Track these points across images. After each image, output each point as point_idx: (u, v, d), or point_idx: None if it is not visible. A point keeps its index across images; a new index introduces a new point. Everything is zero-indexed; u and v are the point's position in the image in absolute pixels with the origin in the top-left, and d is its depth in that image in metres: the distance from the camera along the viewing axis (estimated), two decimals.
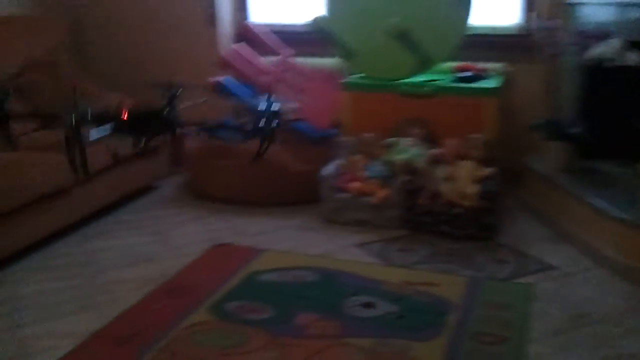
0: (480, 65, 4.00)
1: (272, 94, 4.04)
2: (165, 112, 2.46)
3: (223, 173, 3.83)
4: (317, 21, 3.61)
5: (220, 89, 4.04)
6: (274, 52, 4.26)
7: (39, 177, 3.08)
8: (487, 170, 3.39)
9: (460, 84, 3.73)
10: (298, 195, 3.77)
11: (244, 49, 4.17)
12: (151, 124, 2.44)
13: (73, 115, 2.22)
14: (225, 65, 4.10)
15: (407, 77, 3.78)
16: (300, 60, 4.35)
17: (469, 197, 3.28)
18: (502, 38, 4.13)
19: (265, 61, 4.27)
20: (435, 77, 3.86)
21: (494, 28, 4.16)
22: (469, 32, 3.77)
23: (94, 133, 2.34)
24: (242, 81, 4.13)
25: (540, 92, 3.72)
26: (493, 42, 4.12)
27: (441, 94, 3.67)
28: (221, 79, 4.03)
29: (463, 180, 3.35)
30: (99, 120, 2.38)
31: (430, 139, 3.63)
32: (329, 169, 3.59)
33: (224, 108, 4.32)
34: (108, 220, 3.60)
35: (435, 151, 3.52)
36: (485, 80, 3.80)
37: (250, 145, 3.82)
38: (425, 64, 3.78)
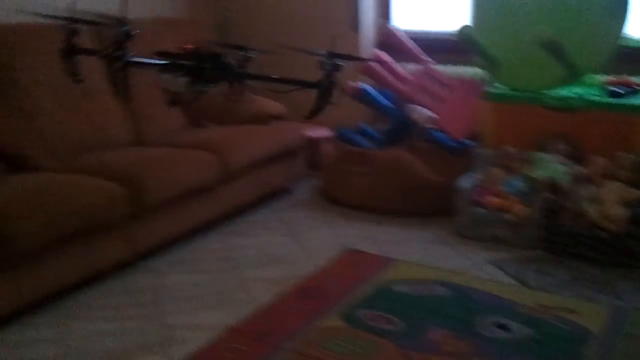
0: (635, 79, 3.77)
1: (412, 102, 4.07)
2: (227, 61, 2.26)
3: (357, 179, 3.86)
4: (463, 30, 3.54)
5: (361, 95, 4.07)
6: (415, 59, 4.24)
7: (188, 173, 3.26)
8: (637, 193, 3.19)
9: (611, 99, 3.53)
10: (432, 206, 3.72)
11: (385, 55, 4.17)
12: (211, 69, 2.20)
13: (119, 31, 2.12)
14: (368, 71, 4.12)
15: (554, 89, 3.64)
16: (442, 68, 4.30)
17: (616, 221, 3.10)
18: None
19: (406, 68, 4.26)
20: (584, 90, 3.69)
21: None
22: (623, 43, 3.57)
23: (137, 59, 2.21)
24: (382, 88, 4.15)
25: None
26: None
27: (590, 108, 3.49)
28: (362, 85, 4.06)
29: (610, 202, 3.17)
30: (159, 54, 2.26)
31: (576, 157, 3.46)
32: (465, 181, 3.52)
33: (364, 114, 4.38)
34: (246, 219, 3.73)
35: (581, 169, 3.35)
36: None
37: (387, 153, 3.87)
38: (574, 75, 3.61)
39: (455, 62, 4.31)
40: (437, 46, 4.25)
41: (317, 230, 3.59)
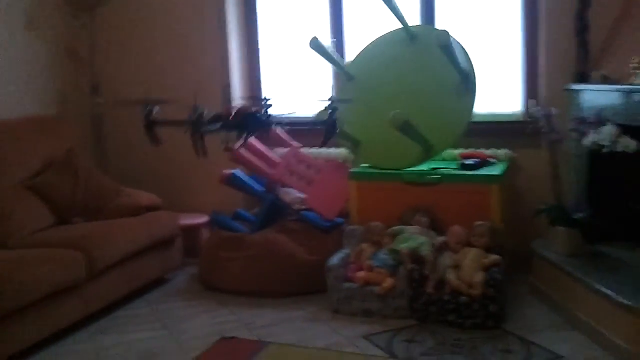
0: (485, 152, 4.07)
1: (282, 185, 4.19)
2: (260, 115, 3.28)
3: (232, 264, 3.88)
4: (320, 115, 3.71)
5: (232, 181, 4.15)
6: (283, 144, 4.38)
7: (52, 273, 3.16)
8: (494, 258, 3.39)
9: (464, 171, 3.79)
10: (307, 285, 3.79)
11: (254, 141, 4.29)
12: (252, 123, 3.24)
13: (195, 111, 3.06)
14: (237, 158, 4.22)
15: (412, 166, 3.85)
16: (309, 151, 4.47)
17: (475, 286, 3.27)
18: (506, 125, 4.22)
19: (275, 153, 4.39)
20: (440, 165, 3.93)
21: (497, 115, 4.26)
22: (473, 120, 3.86)
23: (210, 126, 3.14)
24: (253, 173, 4.25)
25: (544, 178, 3.75)
26: (497, 129, 4.21)
27: (446, 181, 3.73)
28: (233, 171, 4.15)
29: (469, 268, 3.35)
30: (214, 119, 3.18)
31: (436, 227, 3.66)
32: (336, 258, 3.63)
33: (236, 199, 4.45)
34: (119, 314, 3.64)
35: (440, 239, 3.54)
36: (490, 167, 3.86)
37: (260, 236, 3.92)
38: (429, 152, 3.85)
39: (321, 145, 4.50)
40: (304, 130, 4.40)
41: (193, 320, 3.55)
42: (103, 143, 4.87)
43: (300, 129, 4.37)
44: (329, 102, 3.33)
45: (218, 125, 3.17)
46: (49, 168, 3.97)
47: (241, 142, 3.32)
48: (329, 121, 3.34)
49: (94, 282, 3.42)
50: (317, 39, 3.97)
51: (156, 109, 3.18)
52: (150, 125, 3.17)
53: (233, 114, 3.20)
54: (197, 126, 3.04)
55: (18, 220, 3.62)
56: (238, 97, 4.67)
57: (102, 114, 4.79)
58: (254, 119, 3.23)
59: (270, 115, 3.34)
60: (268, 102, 3.33)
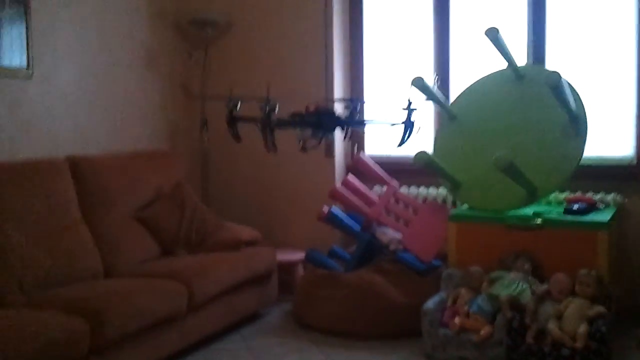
0: (593, 196, 3.90)
1: (379, 224, 4.18)
2: (337, 114, 3.15)
3: (326, 302, 3.89)
4: (418, 156, 3.69)
5: (330, 218, 4.18)
6: (382, 183, 4.38)
7: (153, 304, 3.28)
8: (598, 309, 3.22)
9: (569, 217, 3.63)
10: (401, 328, 3.73)
11: (353, 179, 4.32)
12: (328, 121, 3.08)
13: (266, 105, 2.96)
14: (335, 195, 4.26)
15: (516, 209, 3.74)
16: (408, 190, 4.44)
17: (578, 337, 3.11)
18: (615, 169, 4.03)
19: (374, 192, 4.39)
20: (544, 208, 3.79)
21: (606, 159, 4.07)
22: (581, 163, 3.71)
23: (281, 121, 3.05)
24: (351, 211, 4.26)
25: None
26: (606, 173, 4.03)
27: (550, 226, 3.59)
28: (331, 208, 4.18)
29: (572, 318, 3.20)
30: (292, 116, 3.09)
31: (538, 274, 3.52)
32: (431, 302, 3.56)
33: (333, 236, 4.48)
34: (214, 347, 3.71)
35: (542, 287, 3.40)
36: (597, 213, 3.68)
37: (355, 276, 3.92)
38: (533, 195, 3.73)
39: (424, 184, 4.47)
40: (406, 169, 4.38)
41: (284, 358, 3.57)
42: (208, 177, 5.05)
43: (399, 168, 4.44)
44: (408, 102, 3.08)
45: (291, 120, 3.09)
46: (157, 200, 4.16)
47: (315, 141, 3.12)
48: (407, 120, 3.08)
49: (193, 314, 3.52)
50: (421, 78, 3.93)
51: (239, 105, 3.12)
52: (233, 120, 3.12)
53: (309, 109, 3.10)
54: (267, 120, 2.96)
55: (126, 249, 3.79)
56: (339, 134, 4.72)
57: (209, 149, 4.97)
58: (331, 116, 3.11)
59: (353, 115, 3.24)
60: (357, 103, 3.23)
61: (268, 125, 2.96)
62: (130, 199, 4.03)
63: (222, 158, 4.97)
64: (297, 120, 3.08)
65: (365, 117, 3.31)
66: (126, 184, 4.04)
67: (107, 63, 4.33)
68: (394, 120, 3.14)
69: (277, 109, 3.00)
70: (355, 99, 3.28)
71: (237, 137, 3.11)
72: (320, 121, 3.05)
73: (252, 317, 4.12)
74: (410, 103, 3.06)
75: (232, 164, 4.97)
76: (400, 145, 3.14)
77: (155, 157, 4.44)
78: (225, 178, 5.01)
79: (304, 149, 3.19)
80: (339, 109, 3.23)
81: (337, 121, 3.12)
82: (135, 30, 4.58)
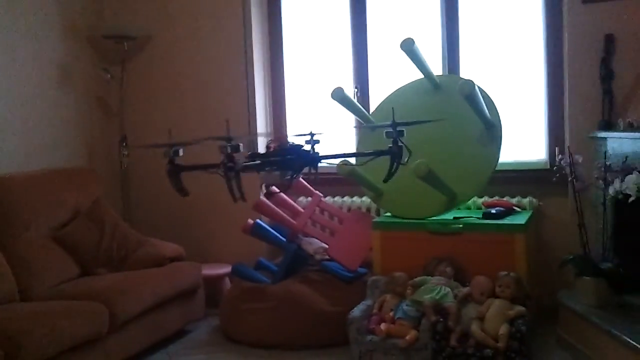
0: (510, 200, 4.03)
1: (305, 235, 4.18)
2: (306, 150, 2.74)
3: (253, 315, 3.85)
4: (341, 167, 3.72)
5: (254, 230, 4.16)
6: (306, 193, 4.39)
7: (74, 326, 3.17)
8: (518, 309, 3.32)
9: (488, 220, 3.74)
10: (329, 337, 3.73)
11: (277, 190, 4.30)
12: (298, 160, 2.70)
13: (228, 147, 2.52)
14: (260, 207, 4.23)
15: (436, 215, 3.82)
16: (333, 200, 4.48)
17: (500, 338, 3.20)
18: (531, 173, 4.18)
19: (299, 202, 4.40)
20: (463, 213, 3.89)
21: (522, 163, 4.22)
22: (497, 168, 3.83)
23: (245, 164, 2.64)
24: (276, 223, 4.25)
25: (570, 226, 3.69)
26: (521, 177, 4.18)
27: (469, 230, 3.68)
28: (255, 220, 4.16)
29: (494, 319, 3.28)
30: (251, 156, 2.70)
31: (460, 277, 3.60)
32: (357, 309, 3.58)
33: (259, 249, 4.45)
34: None
35: (464, 290, 3.48)
36: (514, 216, 3.81)
37: (282, 287, 3.90)
38: (453, 201, 3.82)
39: (347, 194, 4.51)
40: (329, 180, 4.41)
41: None
42: (128, 194, 4.94)
43: (323, 178, 4.46)
44: (390, 126, 2.68)
45: (256, 162, 2.69)
46: (75, 219, 4.03)
47: (286, 182, 2.75)
48: (394, 148, 2.69)
49: (115, 334, 3.42)
50: (340, 89, 3.98)
51: (181, 152, 2.69)
52: (176, 171, 2.70)
53: (273, 148, 2.75)
54: (231, 164, 2.52)
55: (42, 271, 3.65)
56: (262, 147, 4.73)
57: (128, 165, 4.87)
58: (302, 154, 2.72)
59: (317, 152, 2.80)
60: (314, 137, 2.78)
61: (233, 170, 2.51)
62: (46, 218, 3.90)
63: (143, 174, 4.87)
64: (266, 162, 2.70)
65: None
66: (41, 203, 3.90)
67: (17, 79, 4.18)
68: (374, 152, 2.79)
69: (240, 148, 2.57)
70: (312, 132, 2.77)
71: (182, 191, 2.71)
72: (290, 161, 2.69)
73: (178, 334, 4.03)
74: (394, 126, 2.69)
75: (154, 180, 4.81)
76: (387, 180, 2.77)
77: (72, 175, 4.30)
78: (147, 194, 4.91)
79: (269, 194, 3.03)
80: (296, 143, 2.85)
81: (307, 159, 2.72)
82: (46, 45, 4.44)
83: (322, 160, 2.74)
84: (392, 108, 2.71)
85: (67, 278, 3.77)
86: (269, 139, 2.93)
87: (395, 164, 2.70)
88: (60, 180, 4.16)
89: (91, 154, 4.82)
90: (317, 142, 2.78)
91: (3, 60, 4.08)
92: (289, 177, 2.74)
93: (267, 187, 2.75)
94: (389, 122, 2.68)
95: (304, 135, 2.75)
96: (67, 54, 4.61)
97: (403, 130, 2.70)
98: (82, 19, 4.77)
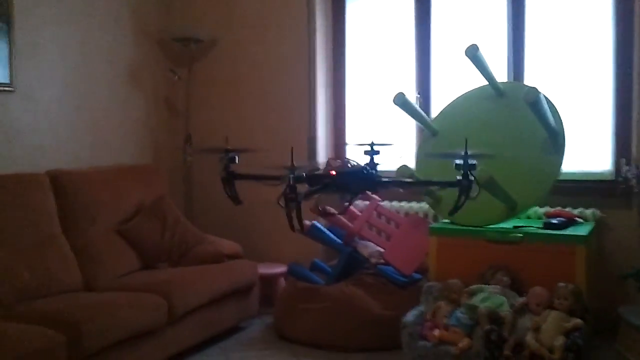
0: (572, 211, 3.94)
1: (361, 238, 4.20)
2: (366, 172, 2.66)
3: (307, 315, 3.90)
4: (401, 170, 3.72)
5: (311, 232, 4.20)
6: (364, 197, 4.40)
7: (134, 316, 3.28)
8: (576, 321, 3.24)
9: (548, 230, 3.67)
10: (381, 340, 3.74)
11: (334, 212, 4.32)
12: (355, 182, 2.63)
13: (290, 175, 2.40)
14: (317, 209, 4.27)
15: (495, 223, 3.77)
16: (390, 204, 4.47)
17: (555, 350, 3.13)
18: (594, 184, 4.08)
19: (355, 205, 4.41)
20: (523, 223, 3.83)
21: (586, 174, 4.12)
22: (560, 178, 3.75)
23: (307, 193, 2.57)
24: (333, 225, 4.28)
25: (634, 239, 3.58)
26: (585, 188, 4.08)
27: (529, 240, 3.62)
28: (313, 222, 4.20)
29: (549, 331, 3.21)
30: (311, 179, 2.60)
31: (517, 287, 3.54)
32: (411, 314, 3.56)
33: (315, 250, 4.49)
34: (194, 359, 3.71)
35: (520, 300, 3.42)
36: (576, 227, 3.72)
37: (336, 289, 3.93)
38: (513, 210, 3.76)
39: (405, 199, 4.50)
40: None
41: None
42: (191, 192, 5.06)
43: None
44: (464, 158, 2.51)
45: (317, 187, 2.57)
46: (139, 214, 4.16)
47: (345, 204, 2.71)
48: (464, 181, 2.52)
49: (173, 327, 3.52)
50: (402, 94, 3.98)
51: (236, 159, 2.70)
52: (230, 178, 2.70)
53: (334, 171, 2.58)
54: (293, 192, 2.38)
55: (106, 263, 3.80)
56: (322, 149, 4.77)
57: (192, 163, 4.99)
58: (362, 177, 2.61)
59: (377, 172, 2.72)
60: (374, 155, 2.70)
61: (295, 200, 2.37)
62: (111, 212, 4.04)
63: (205, 173, 4.98)
64: (326, 185, 2.58)
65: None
66: (107, 198, 4.04)
67: (89, 79, 4.37)
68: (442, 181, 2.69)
69: (304, 173, 2.49)
70: (372, 144, 2.69)
71: (235, 199, 2.68)
72: (350, 184, 2.60)
73: (232, 330, 4.11)
74: (466, 157, 2.53)
75: (215, 179, 4.93)
76: (452, 213, 2.64)
77: (138, 172, 4.45)
78: (208, 193, 5.00)
79: (325, 213, 2.90)
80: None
81: (370, 182, 2.64)
82: (118, 46, 4.62)
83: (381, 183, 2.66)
84: (466, 139, 2.55)
85: (129, 271, 3.91)
86: (329, 157, 2.79)
87: (463, 197, 2.54)
88: (127, 176, 4.30)
89: (157, 152, 4.97)
90: (377, 152, 2.74)
91: (76, 60, 4.27)
92: (347, 201, 2.70)
93: (323, 207, 2.75)
94: (460, 151, 2.54)
95: (364, 144, 2.72)
96: (138, 55, 4.79)
97: (475, 164, 2.53)
98: (153, 22, 4.94)
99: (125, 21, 4.67)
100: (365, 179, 2.64)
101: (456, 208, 2.58)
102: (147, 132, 4.89)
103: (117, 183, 4.19)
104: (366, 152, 2.71)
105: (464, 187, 2.51)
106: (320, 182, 2.58)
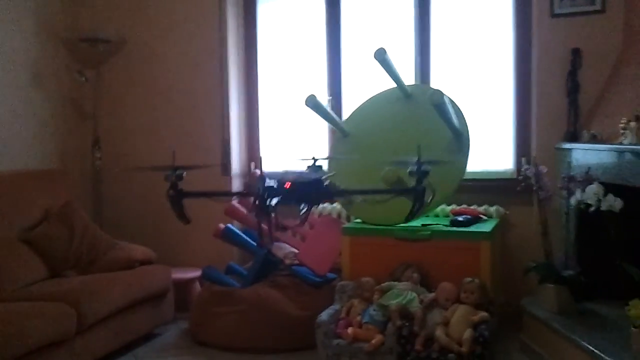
0: (477, 208, 4.10)
1: (275, 240, 4.21)
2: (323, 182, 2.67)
3: (222, 319, 3.88)
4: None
5: (225, 235, 4.19)
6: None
7: (41, 327, 3.16)
8: (482, 314, 3.38)
9: (455, 228, 3.80)
10: (297, 340, 3.77)
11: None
12: (312, 193, 2.62)
13: (262, 182, 2.45)
14: (231, 212, 4.27)
15: (404, 222, 3.87)
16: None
17: (463, 343, 3.25)
18: (497, 182, 4.26)
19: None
20: (431, 221, 3.96)
21: (489, 172, 4.30)
22: (465, 177, 3.90)
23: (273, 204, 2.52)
24: (247, 228, 4.29)
25: (534, 235, 3.77)
26: (489, 186, 4.25)
27: (436, 237, 3.74)
28: (226, 225, 4.19)
29: (458, 325, 3.34)
30: (264, 190, 2.54)
31: (426, 283, 3.66)
32: (325, 314, 3.61)
33: (230, 253, 4.48)
34: None
35: (429, 295, 3.54)
36: (481, 224, 3.88)
37: (251, 291, 3.93)
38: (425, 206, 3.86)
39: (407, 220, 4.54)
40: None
41: None
42: (101, 197, 4.94)
43: None
44: (416, 164, 2.53)
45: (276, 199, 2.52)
46: (45, 221, 4.02)
47: (301, 218, 2.65)
48: (418, 188, 2.53)
49: (83, 336, 3.42)
50: (313, 96, 4.03)
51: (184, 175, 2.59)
52: (179, 197, 2.56)
53: (288, 183, 2.56)
54: (263, 204, 2.36)
55: (10, 272, 3.63)
56: (235, 152, 4.76)
57: (100, 167, 4.87)
58: (318, 188, 2.61)
59: (332, 184, 2.75)
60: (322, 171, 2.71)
61: (265, 211, 2.37)
62: (15, 220, 3.89)
63: (115, 177, 4.88)
64: (283, 198, 2.52)
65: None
66: (10, 205, 3.89)
67: None
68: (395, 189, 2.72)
69: (274, 183, 2.47)
70: (314, 159, 2.73)
71: (183, 218, 2.59)
72: (308, 195, 2.58)
73: (147, 337, 4.04)
74: (419, 164, 2.54)
75: (126, 183, 4.88)
76: (408, 220, 2.66)
77: (42, 177, 4.30)
78: (118, 197, 4.91)
79: (283, 228, 2.81)
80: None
81: (326, 193, 2.66)
82: (21, 47, 4.44)
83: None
84: (419, 146, 2.56)
85: (35, 279, 3.76)
86: (284, 170, 2.84)
87: (417, 204, 2.53)
88: (30, 181, 4.16)
89: (64, 156, 4.81)
90: (320, 167, 2.76)
91: None
92: (303, 211, 2.64)
93: (280, 221, 2.60)
94: (413, 158, 2.55)
95: (307, 159, 2.75)
96: (41, 55, 4.62)
97: (428, 171, 2.54)
98: (59, 22, 4.77)
99: (27, 20, 4.49)
100: (324, 190, 2.66)
101: (411, 214, 2.60)
102: (53, 135, 4.73)
103: (20, 189, 4.04)
104: (309, 167, 2.74)
105: (418, 194, 2.52)
106: (277, 194, 2.52)
